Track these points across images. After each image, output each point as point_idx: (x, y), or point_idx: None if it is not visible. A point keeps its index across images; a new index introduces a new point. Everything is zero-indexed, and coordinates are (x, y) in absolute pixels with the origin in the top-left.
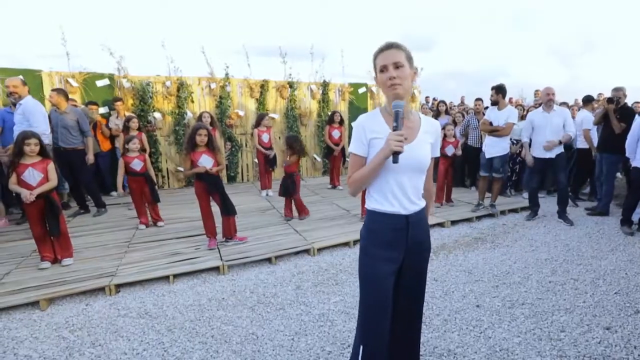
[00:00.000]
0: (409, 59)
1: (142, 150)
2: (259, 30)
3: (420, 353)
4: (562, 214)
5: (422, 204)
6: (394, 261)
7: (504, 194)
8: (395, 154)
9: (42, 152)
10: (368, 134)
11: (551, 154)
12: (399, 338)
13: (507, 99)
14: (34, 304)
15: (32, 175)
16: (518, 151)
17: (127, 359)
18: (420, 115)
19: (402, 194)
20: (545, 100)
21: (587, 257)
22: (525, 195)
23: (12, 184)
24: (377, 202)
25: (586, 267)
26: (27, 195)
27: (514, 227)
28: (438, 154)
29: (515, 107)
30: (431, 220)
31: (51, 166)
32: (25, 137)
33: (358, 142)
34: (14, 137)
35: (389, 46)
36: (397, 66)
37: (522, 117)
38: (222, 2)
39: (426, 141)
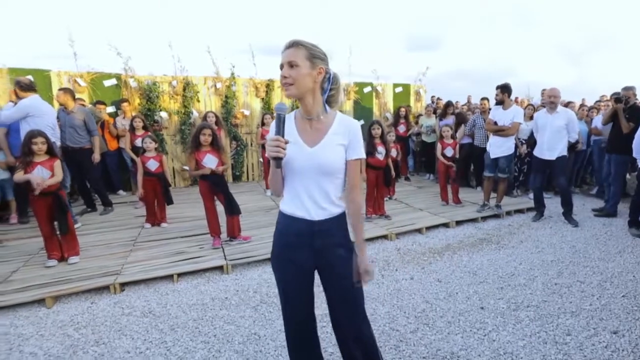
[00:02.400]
0: (312, 57)
1: (157, 149)
2: (264, 29)
3: (424, 355)
4: (567, 215)
5: (336, 210)
6: (297, 263)
7: (510, 194)
8: (275, 159)
9: (49, 151)
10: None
11: (551, 156)
12: (345, 338)
13: (513, 98)
14: (40, 301)
15: (40, 173)
16: (527, 151)
17: (130, 358)
18: (337, 116)
19: (308, 198)
20: (547, 102)
21: (594, 259)
22: (532, 195)
23: (20, 176)
24: (285, 203)
25: (593, 270)
26: (39, 181)
27: (519, 228)
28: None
29: (525, 107)
30: (436, 220)
31: (57, 163)
32: (32, 136)
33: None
34: (21, 139)
35: (288, 45)
36: (291, 65)
37: (531, 117)
38: (228, 1)
39: (335, 142)
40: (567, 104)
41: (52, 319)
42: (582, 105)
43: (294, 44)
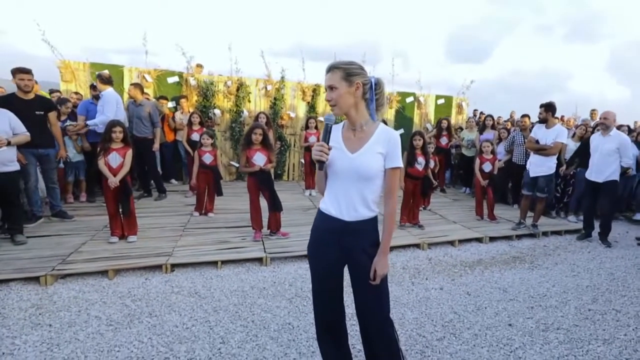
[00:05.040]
0: (347, 76)
1: (213, 145)
2: (314, 35)
3: None
4: (602, 237)
5: (368, 214)
6: (326, 258)
7: (547, 215)
8: (318, 162)
9: (125, 139)
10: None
11: (597, 179)
12: (367, 335)
13: (559, 115)
14: (104, 272)
15: (114, 158)
16: (572, 172)
17: (178, 332)
18: (380, 126)
19: (344, 199)
20: (599, 123)
21: (633, 289)
22: (572, 218)
23: (102, 165)
24: (324, 201)
25: (631, 300)
26: (114, 180)
27: (555, 250)
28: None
29: (577, 127)
30: (469, 234)
31: (129, 153)
32: (113, 125)
33: None
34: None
35: (327, 70)
36: (331, 88)
37: (580, 138)
38: (281, 6)
39: (374, 151)
40: (618, 127)
41: (113, 290)
42: (631, 130)
43: (330, 69)
